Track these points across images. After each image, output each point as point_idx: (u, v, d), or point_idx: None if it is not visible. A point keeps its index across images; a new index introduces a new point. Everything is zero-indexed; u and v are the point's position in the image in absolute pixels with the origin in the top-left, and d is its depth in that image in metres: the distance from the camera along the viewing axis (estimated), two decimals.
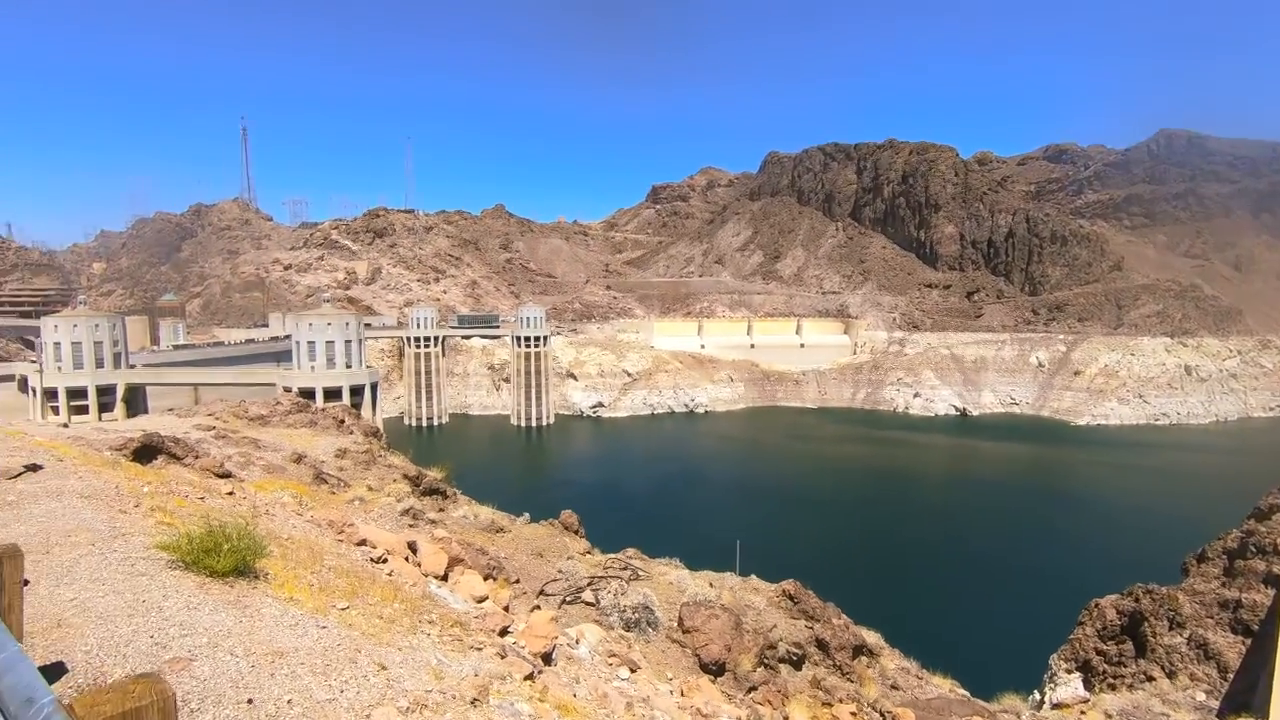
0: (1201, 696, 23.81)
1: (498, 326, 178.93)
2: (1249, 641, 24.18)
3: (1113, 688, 27.45)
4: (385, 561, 8.45)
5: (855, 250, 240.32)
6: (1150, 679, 25.59)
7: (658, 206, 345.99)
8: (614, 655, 9.42)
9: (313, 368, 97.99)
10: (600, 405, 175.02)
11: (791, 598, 13.77)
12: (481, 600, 9.63)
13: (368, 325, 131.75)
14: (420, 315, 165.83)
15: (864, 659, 13.52)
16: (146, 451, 15.58)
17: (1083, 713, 24.74)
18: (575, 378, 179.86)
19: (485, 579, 11.32)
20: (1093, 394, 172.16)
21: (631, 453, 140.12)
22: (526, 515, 15.74)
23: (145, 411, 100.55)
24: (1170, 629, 26.52)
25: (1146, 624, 27.54)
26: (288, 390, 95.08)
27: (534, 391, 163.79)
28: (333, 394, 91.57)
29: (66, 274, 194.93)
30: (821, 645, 12.57)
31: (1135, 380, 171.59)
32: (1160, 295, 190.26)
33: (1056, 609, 56.48)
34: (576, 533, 15.40)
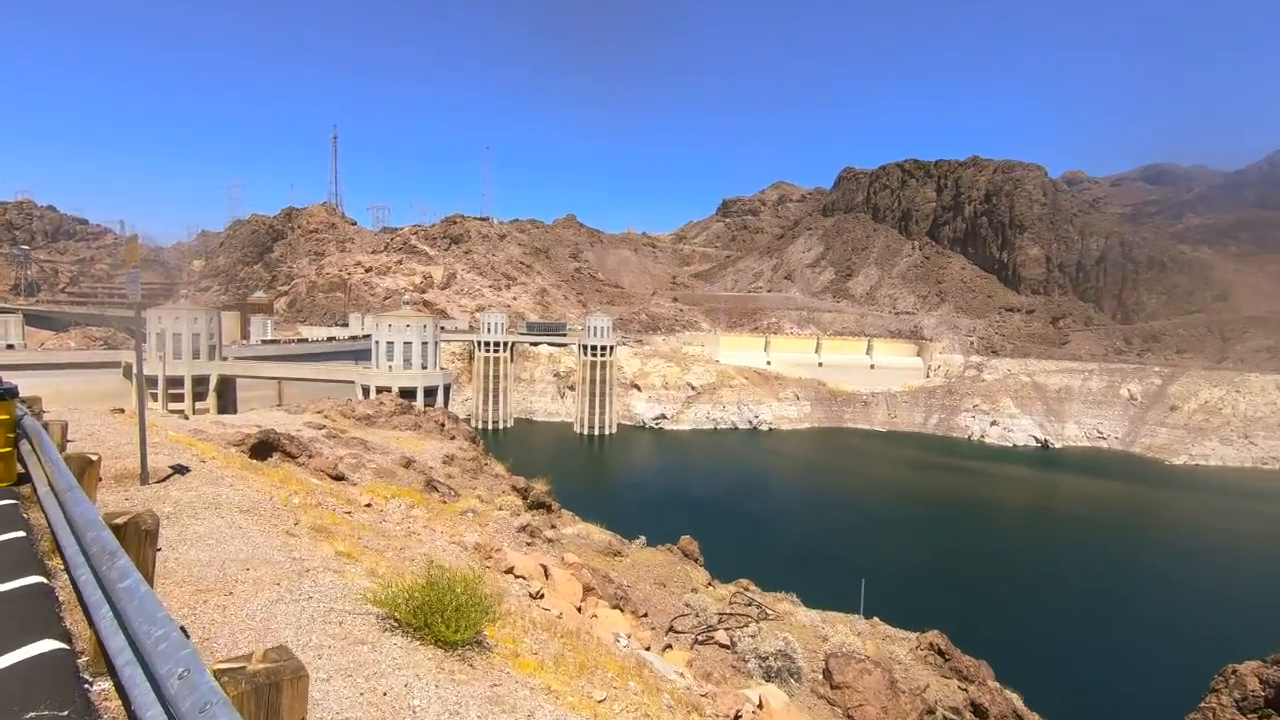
0: None
1: (565, 334, 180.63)
2: None
3: None
4: (543, 597, 7.69)
5: (932, 270, 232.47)
6: None
7: (727, 220, 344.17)
8: None
9: (390, 367, 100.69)
10: (663, 417, 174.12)
11: (941, 653, 12.40)
12: (619, 639, 8.75)
13: (441, 329, 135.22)
14: (491, 320, 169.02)
15: None
16: (263, 448, 15.50)
17: None
18: (639, 388, 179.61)
19: (613, 608, 10.46)
20: (1191, 431, 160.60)
21: (696, 467, 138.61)
22: (643, 538, 14.91)
23: (234, 402, 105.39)
24: None
25: None
26: (365, 389, 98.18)
27: (598, 400, 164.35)
28: (408, 394, 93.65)
29: (170, 269, 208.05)
30: (979, 712, 11.17)
31: (1240, 419, 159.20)
32: (1272, 329, 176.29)
33: (1175, 667, 52.06)
34: (696, 560, 14.46)
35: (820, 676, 10.69)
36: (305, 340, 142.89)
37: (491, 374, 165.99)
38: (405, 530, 8.58)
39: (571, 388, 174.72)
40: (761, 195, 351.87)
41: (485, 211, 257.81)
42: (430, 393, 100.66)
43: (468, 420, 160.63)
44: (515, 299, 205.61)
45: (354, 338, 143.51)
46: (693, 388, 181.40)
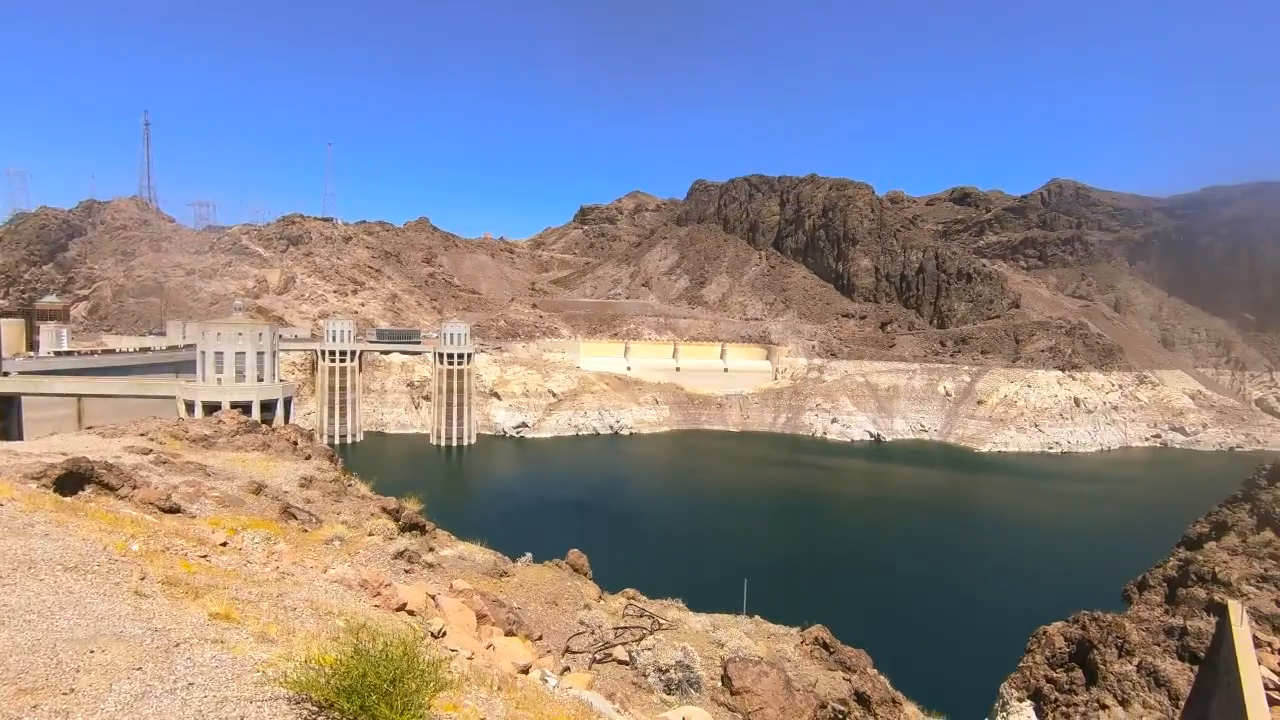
0: None
1: (419, 342, 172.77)
2: (1196, 669, 25.24)
3: (1066, 716, 28.03)
4: (445, 635, 6.91)
5: (777, 279, 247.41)
6: (1104, 707, 26.24)
7: (585, 227, 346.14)
8: None
9: (219, 380, 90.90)
10: (524, 425, 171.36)
11: (825, 646, 12.89)
12: (525, 670, 8.20)
13: (280, 337, 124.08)
14: (336, 328, 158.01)
15: (897, 710, 12.79)
16: (72, 480, 13.10)
17: None
18: (499, 397, 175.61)
19: (507, 634, 9.85)
20: (994, 423, 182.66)
21: (564, 474, 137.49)
22: (529, 555, 14.22)
23: (19, 425, 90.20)
24: (1120, 656, 27.37)
25: (1095, 651, 28.35)
26: (190, 404, 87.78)
27: (456, 410, 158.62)
28: (241, 409, 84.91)
29: None
30: (862, 700, 11.72)
31: (1032, 410, 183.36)
32: (1053, 332, 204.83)
33: (998, 631, 58.36)
34: (586, 575, 14.01)
35: (719, 684, 10.69)
36: (113, 351, 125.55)
37: (338, 385, 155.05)
38: (275, 571, 7.41)
39: (427, 398, 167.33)
40: (619, 203, 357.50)
41: (328, 212, 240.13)
42: (268, 407, 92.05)
43: (311, 435, 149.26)
44: (363, 305, 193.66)
45: (173, 348, 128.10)
46: (554, 395, 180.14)
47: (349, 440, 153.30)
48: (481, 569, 12.53)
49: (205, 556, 7.45)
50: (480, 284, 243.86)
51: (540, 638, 10.65)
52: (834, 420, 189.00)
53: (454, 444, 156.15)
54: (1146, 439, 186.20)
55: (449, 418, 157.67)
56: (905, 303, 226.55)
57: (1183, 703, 24.66)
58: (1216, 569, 26.83)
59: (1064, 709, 27.98)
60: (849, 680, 12.04)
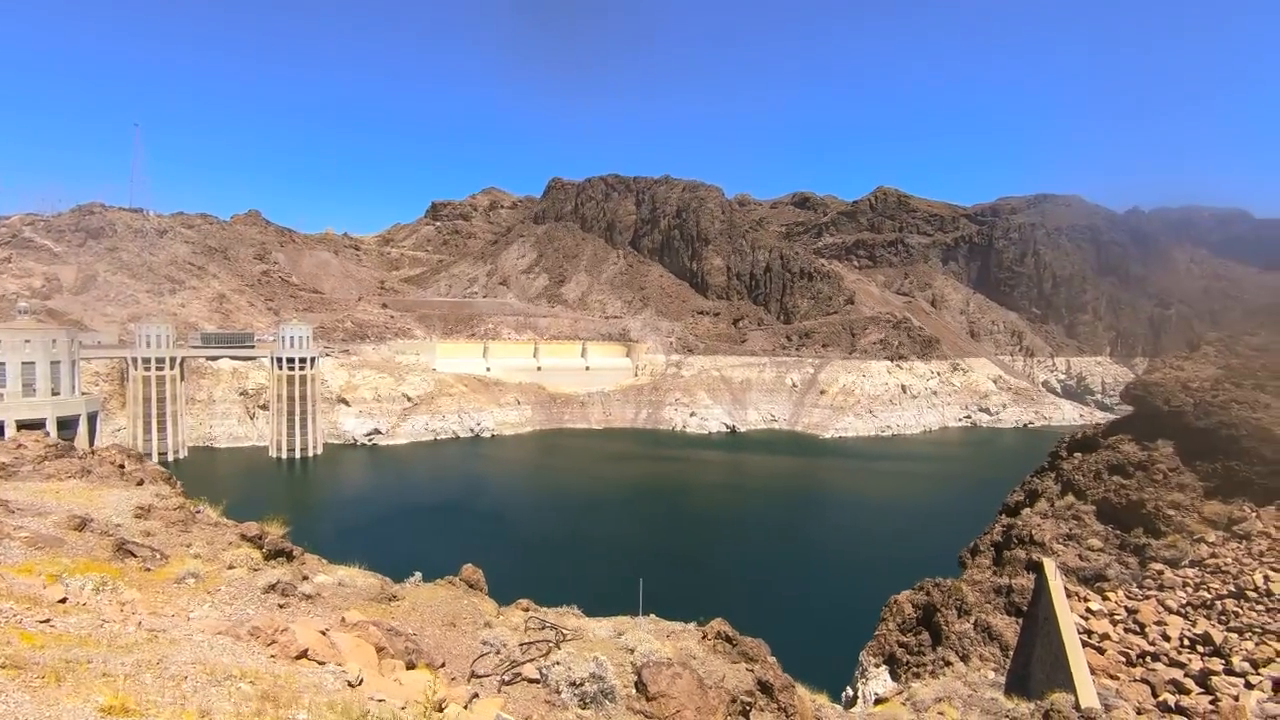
0: (991, 675, 27.62)
1: (253, 346, 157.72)
2: (1021, 622, 28.69)
3: (917, 675, 30.78)
4: (362, 684, 6.04)
5: (635, 277, 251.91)
6: (948, 664, 29.11)
7: (438, 224, 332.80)
8: None
9: (1, 395, 77.38)
10: (377, 432, 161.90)
11: (729, 639, 13.09)
12: (442, 708, 7.53)
13: (79, 344, 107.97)
14: (151, 332, 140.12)
15: (792, 694, 13.27)
16: None
17: (903, 704, 27.21)
18: (347, 403, 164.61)
19: (408, 666, 9.07)
20: (835, 410, 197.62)
21: (425, 482, 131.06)
22: (418, 575, 13.14)
23: None
24: (959, 617, 30.50)
25: (939, 614, 31.39)
26: None
27: (298, 419, 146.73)
28: (32, 428, 72.88)
29: None
30: (765, 689, 12.03)
31: (867, 398, 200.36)
32: (882, 326, 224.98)
33: (853, 602, 62.85)
34: (482, 590, 13.19)
35: (633, 691, 10.51)
36: None
37: (155, 396, 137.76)
38: (139, 629, 6.09)
39: (264, 407, 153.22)
40: (473, 200, 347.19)
41: (136, 203, 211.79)
42: (66, 424, 79.84)
43: None
44: (184, 306, 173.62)
45: None
46: (409, 398, 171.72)
47: (171, 458, 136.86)
48: (367, 595, 11.43)
49: (47, 621, 5.99)
50: (323, 283, 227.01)
51: (443, 664, 9.91)
52: (692, 414, 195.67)
53: (297, 455, 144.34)
54: (959, 419, 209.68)
55: (290, 427, 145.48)
56: (755, 300, 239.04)
57: (1012, 652, 27.97)
58: (1033, 531, 30.70)
59: (914, 669, 30.71)
60: (752, 670, 12.33)
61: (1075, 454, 33.47)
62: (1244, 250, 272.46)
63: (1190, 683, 19.25)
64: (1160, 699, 19.08)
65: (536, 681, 10.24)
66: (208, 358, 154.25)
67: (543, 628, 12.44)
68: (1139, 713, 18.15)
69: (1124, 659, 21.69)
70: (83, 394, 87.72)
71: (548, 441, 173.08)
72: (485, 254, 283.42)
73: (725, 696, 10.78)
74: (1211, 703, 18.15)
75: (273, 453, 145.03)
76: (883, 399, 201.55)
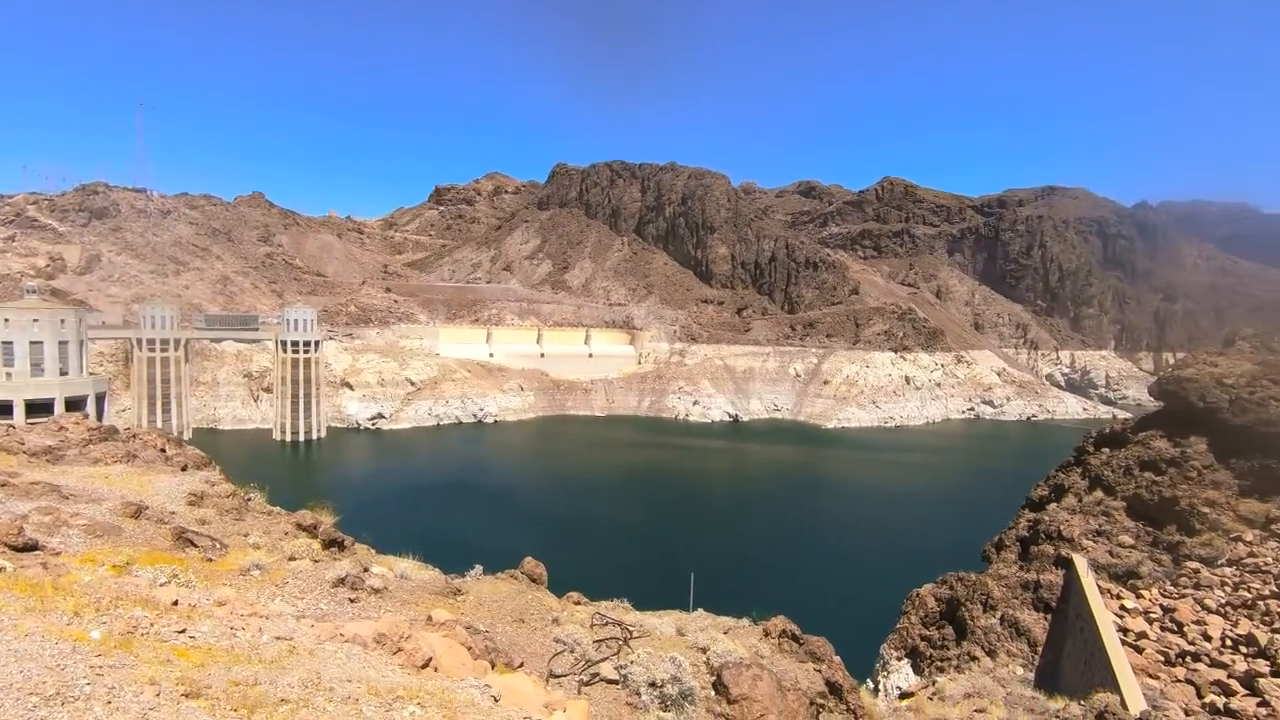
0: (1020, 671, 27.48)
1: (258, 329, 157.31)
2: (1050, 618, 28.49)
3: (941, 670, 30.64)
4: (498, 701, 5.68)
5: (640, 265, 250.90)
6: (974, 659, 28.95)
7: (441, 208, 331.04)
8: None
9: (9, 374, 76.98)
10: (380, 416, 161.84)
11: (795, 638, 12.80)
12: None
13: (84, 324, 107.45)
14: (156, 313, 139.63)
15: (856, 695, 13.03)
16: None
17: (930, 698, 27.05)
18: (351, 387, 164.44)
19: (492, 666, 8.76)
20: (838, 400, 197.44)
21: (422, 467, 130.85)
22: (479, 568, 12.83)
23: None
24: (984, 611, 30.30)
25: (964, 608, 31.20)
26: None
27: (303, 402, 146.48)
28: (40, 408, 72.55)
29: None
30: (835, 690, 11.76)
31: (870, 389, 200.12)
32: (886, 317, 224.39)
33: (863, 599, 62.69)
34: (544, 584, 12.88)
35: (713, 693, 10.22)
36: None
37: (160, 378, 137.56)
38: (275, 641, 5.65)
39: (268, 389, 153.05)
40: (476, 185, 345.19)
41: (141, 183, 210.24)
42: (75, 405, 79.45)
43: None
44: (188, 288, 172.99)
45: None
46: (412, 383, 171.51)
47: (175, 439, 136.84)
48: (431, 589, 11.11)
49: (184, 631, 5.59)
50: (326, 266, 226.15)
51: (521, 664, 9.61)
52: (695, 402, 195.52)
53: (301, 438, 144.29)
54: (963, 411, 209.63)
55: (294, 410, 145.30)
56: (759, 289, 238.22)
57: (1040, 648, 27.80)
58: (1061, 527, 30.45)
59: (938, 663, 30.55)
60: (819, 671, 12.05)
61: (1103, 449, 33.16)
62: (1249, 246, 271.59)
63: (1235, 684, 19.05)
64: (1206, 700, 18.88)
65: (615, 682, 9.94)
66: (212, 339, 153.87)
67: (605, 624, 12.16)
68: (1187, 714, 17.97)
69: (1163, 658, 21.49)
70: (90, 374, 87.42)
71: (551, 428, 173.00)
72: (489, 239, 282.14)
73: (804, 700, 10.49)
74: (1260, 704, 17.96)
75: (276, 435, 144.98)
76: (886, 390, 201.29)
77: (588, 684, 9.80)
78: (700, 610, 15.95)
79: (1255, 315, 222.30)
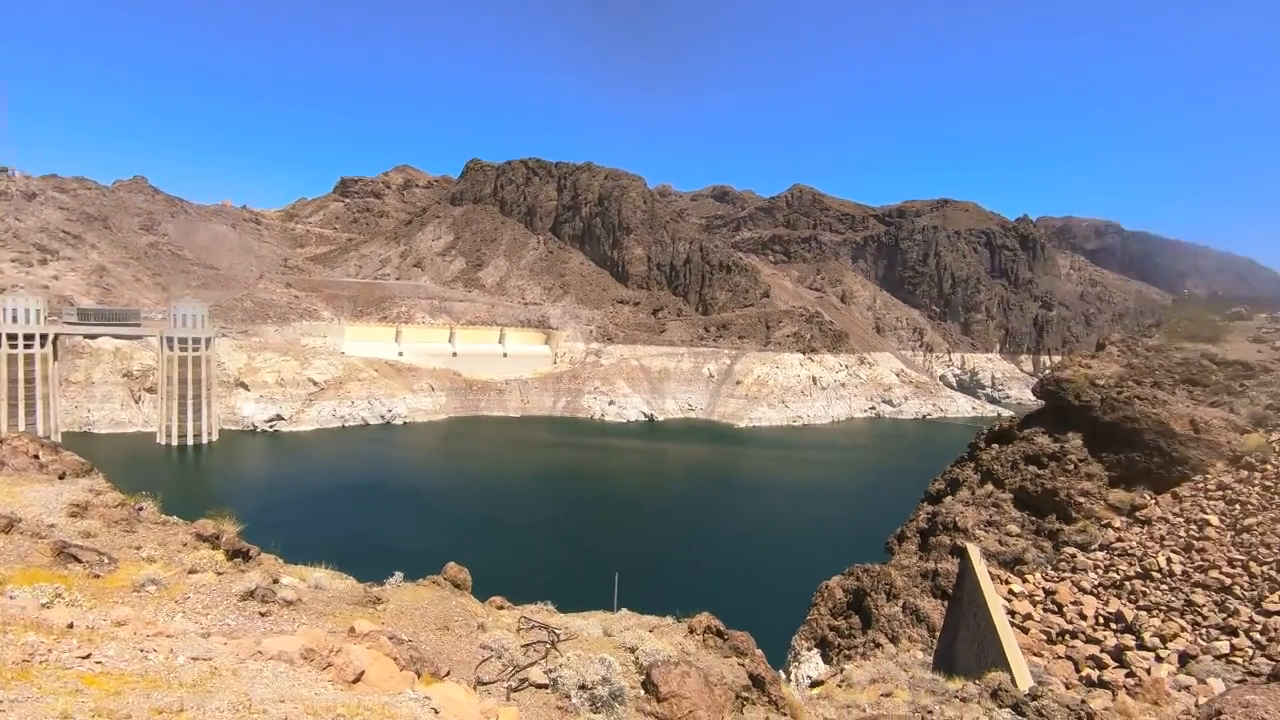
0: (920, 655, 29.11)
1: (139, 324, 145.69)
2: (947, 604, 30.36)
3: (848, 658, 32.04)
4: (438, 714, 5.43)
5: (555, 264, 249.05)
6: (879, 646, 30.47)
7: (347, 200, 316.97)
8: None
9: None
10: (279, 418, 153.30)
11: (719, 634, 13.03)
12: None
13: None
14: (18, 306, 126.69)
15: (777, 687, 13.41)
16: None
17: (838, 685, 28.22)
18: (247, 387, 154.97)
19: (417, 675, 8.50)
20: (750, 400, 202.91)
21: (329, 470, 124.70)
22: (399, 575, 12.29)
23: None
24: (888, 600, 31.96)
25: (869, 598, 32.80)
26: None
27: (191, 403, 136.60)
28: None
29: None
30: (758, 683, 12.07)
31: (780, 389, 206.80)
32: (795, 319, 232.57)
33: (781, 587, 64.51)
34: (469, 590, 12.50)
35: (642, 691, 10.29)
36: None
37: (23, 377, 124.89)
38: (190, 661, 5.14)
39: (151, 390, 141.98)
40: (385, 177, 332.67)
41: (2, 161, 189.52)
42: None
43: None
44: (57, 279, 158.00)
45: None
46: (315, 383, 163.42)
47: None
48: (349, 599, 10.57)
49: (88, 656, 4.98)
50: (219, 258, 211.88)
51: (448, 673, 9.34)
52: (611, 402, 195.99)
53: (189, 442, 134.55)
54: (865, 410, 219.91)
55: (181, 412, 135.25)
56: (674, 290, 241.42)
57: (939, 633, 29.57)
58: (956, 518, 32.53)
59: (846, 652, 31.95)
60: (743, 665, 12.34)
61: (993, 445, 35.70)
62: (1113, 259, 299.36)
63: (1107, 658, 20.96)
64: (1083, 674, 20.67)
65: (545, 687, 9.84)
66: (86, 335, 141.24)
67: (532, 627, 12.01)
68: (1067, 687, 19.60)
69: (1045, 637, 23.34)
70: None
71: (464, 429, 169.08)
72: (398, 234, 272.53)
73: (729, 693, 10.73)
74: (1128, 675, 19.84)
75: (161, 439, 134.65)
76: (795, 390, 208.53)
77: (516, 690, 9.65)
78: (625, 610, 16.03)
79: (1116, 322, 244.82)
